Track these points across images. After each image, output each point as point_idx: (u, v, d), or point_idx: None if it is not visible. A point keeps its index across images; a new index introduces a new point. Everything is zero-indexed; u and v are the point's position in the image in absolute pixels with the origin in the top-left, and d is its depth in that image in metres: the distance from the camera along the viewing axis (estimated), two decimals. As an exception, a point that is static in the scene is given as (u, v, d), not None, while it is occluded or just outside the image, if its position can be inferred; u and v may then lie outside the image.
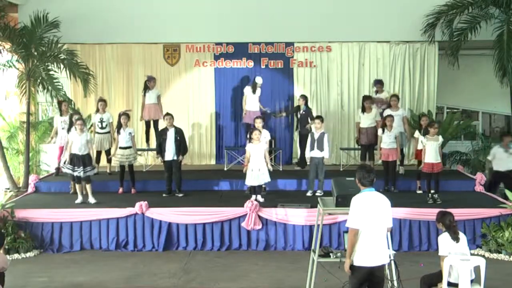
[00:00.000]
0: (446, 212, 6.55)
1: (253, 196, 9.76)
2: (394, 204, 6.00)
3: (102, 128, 11.47)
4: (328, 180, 8.33)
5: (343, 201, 6.31)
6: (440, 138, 9.95)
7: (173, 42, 13.30)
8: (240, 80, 13.27)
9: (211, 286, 7.67)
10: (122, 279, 7.92)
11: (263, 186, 10.17)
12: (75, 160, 9.77)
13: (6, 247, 8.64)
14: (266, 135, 10.64)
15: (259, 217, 9.25)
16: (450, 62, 12.61)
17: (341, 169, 12.44)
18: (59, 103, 11.60)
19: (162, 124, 11.85)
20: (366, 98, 11.52)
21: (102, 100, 11.68)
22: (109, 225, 9.32)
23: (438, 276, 6.28)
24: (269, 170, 9.85)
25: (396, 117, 10.79)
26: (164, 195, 10.47)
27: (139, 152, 11.71)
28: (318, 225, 6.80)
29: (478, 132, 14.52)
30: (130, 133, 10.66)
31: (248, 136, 11.10)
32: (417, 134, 10.38)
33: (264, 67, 13.24)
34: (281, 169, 12.15)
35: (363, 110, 11.35)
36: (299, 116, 12.25)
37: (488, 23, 12.14)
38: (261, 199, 9.78)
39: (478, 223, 9.21)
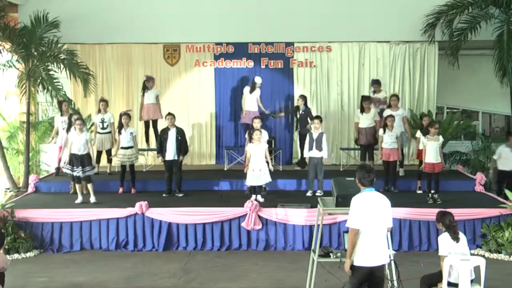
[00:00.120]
0: (446, 212, 6.55)
1: (253, 196, 9.77)
2: (394, 204, 5.99)
3: (103, 128, 11.48)
4: (328, 180, 8.32)
5: (343, 201, 6.30)
6: (441, 138, 9.95)
7: (173, 42, 13.30)
8: (240, 80, 13.27)
9: (211, 286, 7.67)
10: (122, 279, 7.92)
11: (263, 186, 10.18)
12: (74, 160, 9.77)
13: (6, 247, 8.64)
14: (264, 135, 10.64)
15: (259, 217, 9.25)
16: (450, 62, 12.61)
17: (341, 169, 12.44)
18: (59, 103, 11.61)
19: (161, 124, 11.88)
20: (364, 98, 11.53)
21: (103, 100, 11.69)
22: (109, 225, 9.32)
23: (438, 276, 6.28)
24: (270, 170, 9.87)
25: (396, 117, 10.79)
26: (164, 195, 10.47)
27: (140, 152, 11.71)
28: (318, 225, 6.80)
29: (478, 132, 14.51)
30: (131, 133, 10.67)
31: (246, 136, 11.13)
32: (418, 134, 10.38)
33: (264, 67, 13.24)
34: (281, 169, 12.15)
35: (362, 110, 11.36)
36: (298, 116, 12.26)
37: (488, 23, 12.14)
38: (261, 199, 9.78)
39: (478, 223, 9.21)
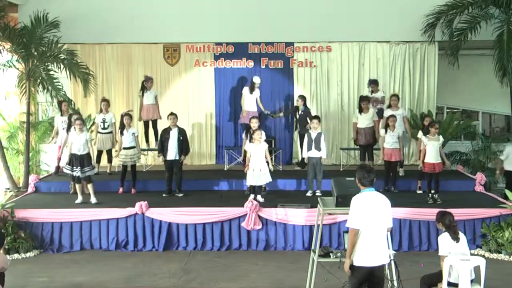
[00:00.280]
0: (446, 212, 6.55)
1: (252, 196, 9.76)
2: (394, 204, 5.99)
3: (104, 128, 11.49)
4: (328, 180, 8.33)
5: (343, 201, 6.31)
6: (441, 138, 9.95)
7: (173, 42, 13.30)
8: (240, 80, 13.26)
9: (211, 286, 7.67)
10: (122, 279, 7.92)
11: (263, 186, 10.17)
12: (74, 160, 9.76)
13: (6, 247, 8.64)
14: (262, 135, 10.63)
15: (259, 217, 9.25)
16: (450, 62, 12.61)
17: (341, 169, 12.44)
18: (59, 103, 11.61)
19: (160, 124, 11.88)
20: (363, 98, 11.55)
21: (105, 100, 11.70)
22: (109, 225, 9.32)
23: (438, 276, 6.28)
24: (270, 170, 9.87)
25: (397, 117, 10.80)
26: (164, 195, 10.46)
27: (141, 152, 11.70)
28: (318, 225, 6.80)
29: (478, 132, 14.50)
30: (133, 133, 10.68)
31: (244, 136, 11.11)
32: (420, 134, 10.37)
33: (264, 67, 13.25)
34: (281, 169, 12.15)
35: (360, 110, 11.39)
36: (297, 116, 12.26)
37: (488, 23, 12.14)
38: (261, 199, 9.78)
39: (478, 223, 9.22)
